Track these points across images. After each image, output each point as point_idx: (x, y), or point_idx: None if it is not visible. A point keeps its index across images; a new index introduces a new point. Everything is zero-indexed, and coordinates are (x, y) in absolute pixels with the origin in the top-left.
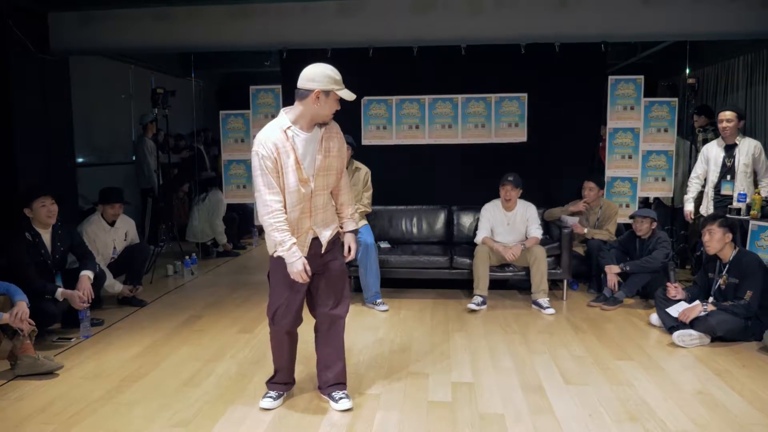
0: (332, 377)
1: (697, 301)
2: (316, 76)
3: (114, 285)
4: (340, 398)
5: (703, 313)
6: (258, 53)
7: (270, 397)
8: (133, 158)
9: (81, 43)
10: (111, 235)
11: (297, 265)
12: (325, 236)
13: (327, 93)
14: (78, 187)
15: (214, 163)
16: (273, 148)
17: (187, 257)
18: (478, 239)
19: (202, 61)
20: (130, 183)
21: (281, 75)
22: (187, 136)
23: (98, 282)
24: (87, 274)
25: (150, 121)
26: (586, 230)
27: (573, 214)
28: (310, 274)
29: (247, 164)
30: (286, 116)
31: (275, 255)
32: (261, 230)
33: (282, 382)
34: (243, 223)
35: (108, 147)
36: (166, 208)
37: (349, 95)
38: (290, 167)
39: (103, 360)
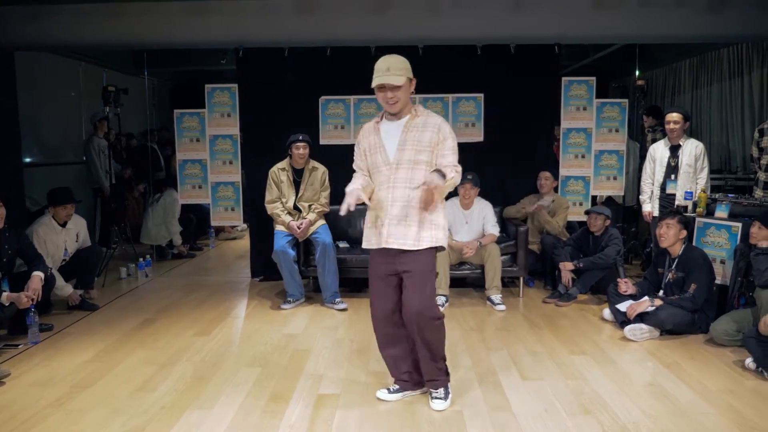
0: None
1: (646, 297)
2: None
3: (64, 288)
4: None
5: (651, 308)
6: (214, 51)
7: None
8: (84, 158)
9: (28, 39)
10: (62, 236)
11: None
12: None
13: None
14: (26, 188)
15: (167, 163)
16: None
17: (141, 259)
18: None
19: (156, 59)
20: (81, 183)
21: (237, 73)
22: (139, 136)
23: (48, 285)
24: (39, 275)
25: (100, 119)
26: (537, 204)
27: (527, 217)
28: None
29: (203, 164)
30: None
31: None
32: (218, 231)
33: None
34: (200, 223)
35: (57, 146)
36: (119, 209)
37: (374, 82)
38: None
39: (53, 366)
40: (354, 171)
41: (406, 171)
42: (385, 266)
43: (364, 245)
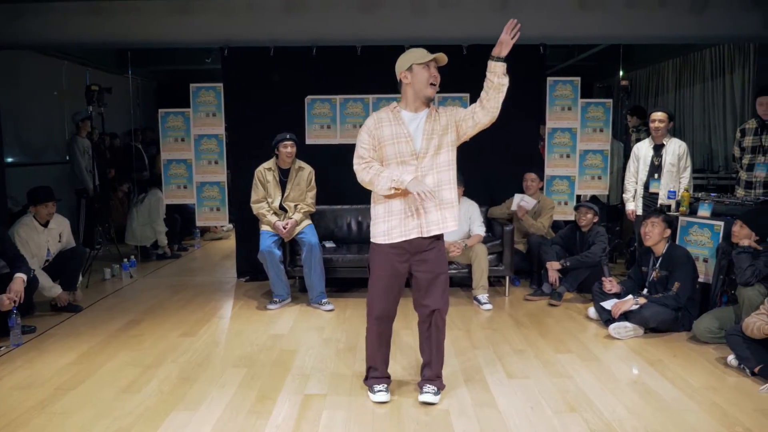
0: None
1: (630, 296)
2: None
3: (52, 288)
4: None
5: (635, 307)
6: (199, 50)
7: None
8: (68, 158)
9: (11, 37)
10: (44, 236)
11: None
12: None
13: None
14: (8, 188)
15: (152, 162)
16: None
17: (125, 260)
18: None
19: (140, 58)
20: (64, 183)
21: (223, 73)
22: (123, 135)
23: (30, 287)
24: (21, 276)
25: (83, 119)
26: (519, 206)
27: (512, 218)
28: None
29: (188, 163)
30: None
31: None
32: (203, 231)
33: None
34: (185, 224)
35: (40, 146)
36: (103, 210)
37: (426, 58)
38: None
39: (36, 369)
40: (354, 165)
41: (431, 158)
42: (400, 264)
43: (381, 240)
